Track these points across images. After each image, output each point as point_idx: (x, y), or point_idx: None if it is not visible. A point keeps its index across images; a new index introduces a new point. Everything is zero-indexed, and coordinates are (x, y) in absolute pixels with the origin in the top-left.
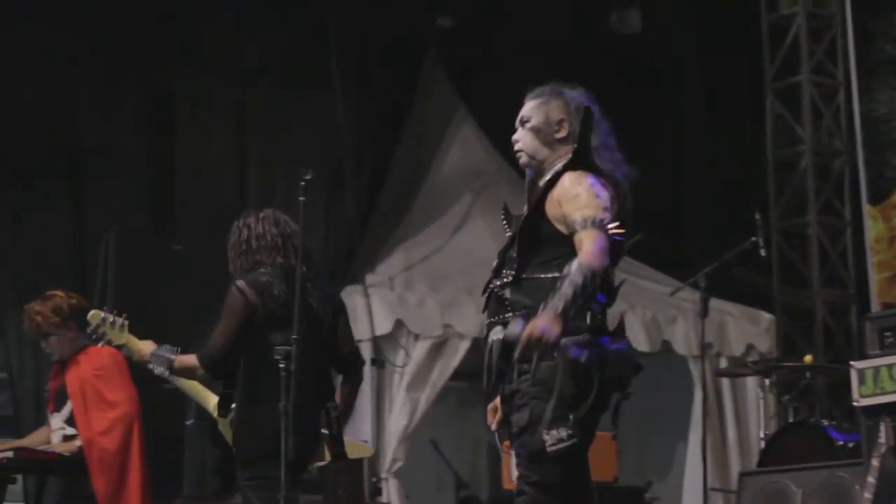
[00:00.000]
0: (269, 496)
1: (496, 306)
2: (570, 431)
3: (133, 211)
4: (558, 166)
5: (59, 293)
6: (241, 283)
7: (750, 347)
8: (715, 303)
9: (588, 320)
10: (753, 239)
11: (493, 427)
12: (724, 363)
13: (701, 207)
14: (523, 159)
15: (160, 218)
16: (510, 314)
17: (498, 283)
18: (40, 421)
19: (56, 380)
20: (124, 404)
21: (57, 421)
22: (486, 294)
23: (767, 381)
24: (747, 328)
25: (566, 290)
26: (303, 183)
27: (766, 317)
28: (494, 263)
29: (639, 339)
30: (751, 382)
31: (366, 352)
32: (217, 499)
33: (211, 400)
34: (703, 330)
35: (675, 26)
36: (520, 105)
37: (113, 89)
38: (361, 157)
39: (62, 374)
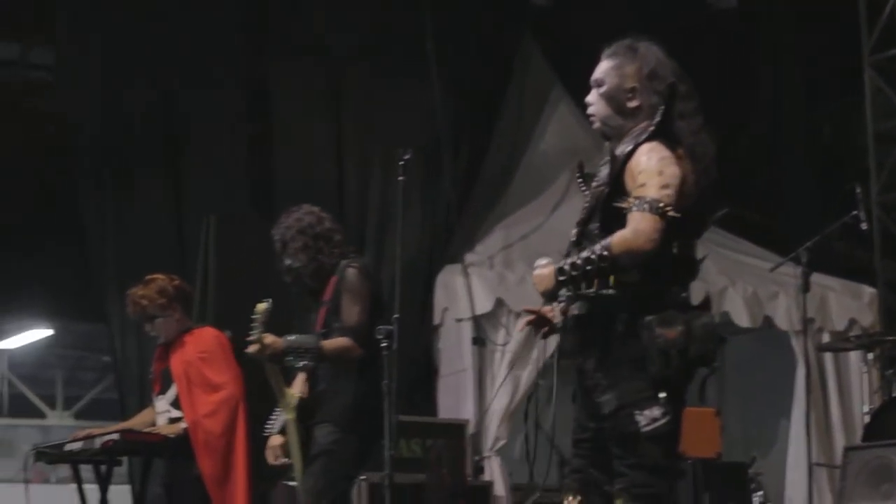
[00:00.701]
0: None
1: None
2: (663, 410)
3: (232, 195)
4: (639, 137)
5: (161, 276)
6: (358, 265)
7: (852, 322)
8: (816, 277)
9: (672, 296)
10: (854, 213)
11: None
12: (826, 338)
13: (801, 182)
14: (596, 125)
15: (258, 202)
16: (592, 289)
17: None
18: (144, 404)
19: (160, 362)
20: (229, 386)
21: (162, 403)
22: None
23: (870, 356)
24: (849, 302)
25: (583, 255)
26: (402, 163)
27: (868, 291)
28: (573, 235)
29: (740, 315)
30: (853, 357)
31: (467, 331)
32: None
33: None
34: (804, 305)
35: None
36: None
37: (210, 76)
38: (458, 137)
39: (167, 357)
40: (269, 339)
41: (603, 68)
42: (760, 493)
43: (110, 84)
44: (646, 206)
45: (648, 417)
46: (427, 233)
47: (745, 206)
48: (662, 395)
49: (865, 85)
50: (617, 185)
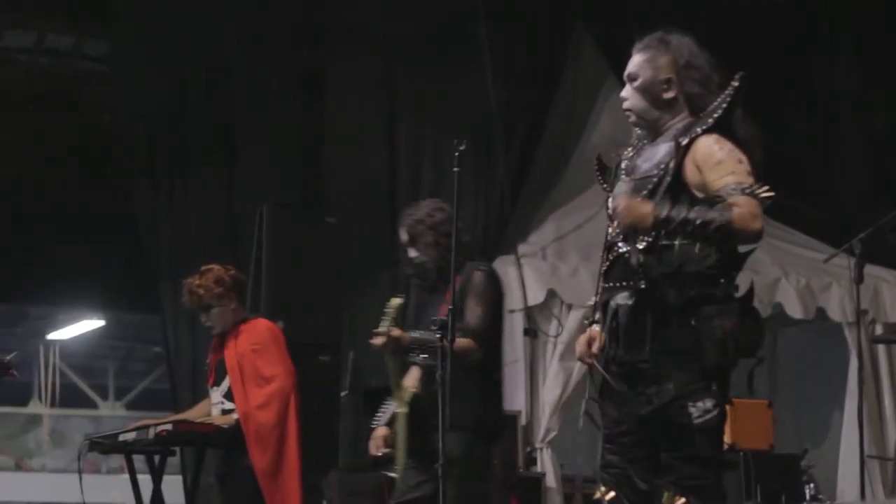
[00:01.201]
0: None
1: (623, 271)
2: (714, 401)
3: (285, 186)
4: (694, 128)
5: (217, 266)
6: (486, 269)
7: None
8: (870, 269)
9: (724, 287)
10: None
11: (588, 357)
12: (879, 330)
13: (855, 173)
14: (632, 119)
15: (311, 191)
16: (642, 280)
17: (628, 247)
18: (196, 395)
19: (215, 353)
20: (281, 378)
21: (216, 395)
22: (613, 256)
23: None
24: None
25: (694, 214)
26: (457, 154)
27: None
28: (617, 226)
29: (793, 306)
30: None
31: (518, 322)
32: (371, 470)
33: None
34: (857, 296)
35: None
36: None
37: (262, 65)
38: (511, 127)
39: (221, 348)
40: (396, 332)
41: (636, 62)
42: (812, 485)
43: (165, 75)
44: (748, 190)
45: (701, 409)
46: (480, 224)
47: (799, 198)
48: (714, 386)
49: None
50: (676, 178)
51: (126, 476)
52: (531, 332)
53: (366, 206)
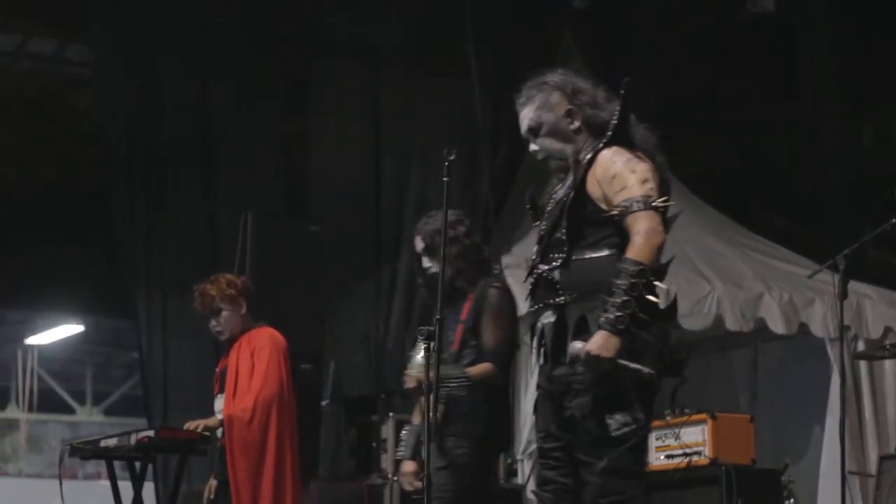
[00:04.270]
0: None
1: (545, 290)
2: (635, 415)
3: (268, 194)
4: (598, 145)
5: (225, 273)
6: (500, 285)
7: (888, 330)
8: (853, 285)
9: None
10: (893, 221)
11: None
12: (861, 346)
13: (839, 189)
14: (552, 164)
15: (295, 200)
16: (562, 297)
17: (546, 266)
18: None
19: (223, 361)
20: (268, 386)
21: (219, 403)
22: (533, 278)
23: None
24: (885, 311)
25: (619, 298)
26: (447, 163)
27: None
28: (536, 248)
29: (776, 321)
30: (889, 365)
31: None
32: (352, 479)
33: None
34: (841, 312)
35: (810, 4)
36: (654, 83)
37: (247, 73)
38: (497, 138)
39: (228, 356)
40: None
41: (529, 116)
42: (792, 500)
43: (145, 81)
44: (640, 204)
45: (619, 422)
46: None
47: (785, 212)
48: (635, 400)
49: None
50: (580, 192)
51: (102, 483)
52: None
53: (349, 216)
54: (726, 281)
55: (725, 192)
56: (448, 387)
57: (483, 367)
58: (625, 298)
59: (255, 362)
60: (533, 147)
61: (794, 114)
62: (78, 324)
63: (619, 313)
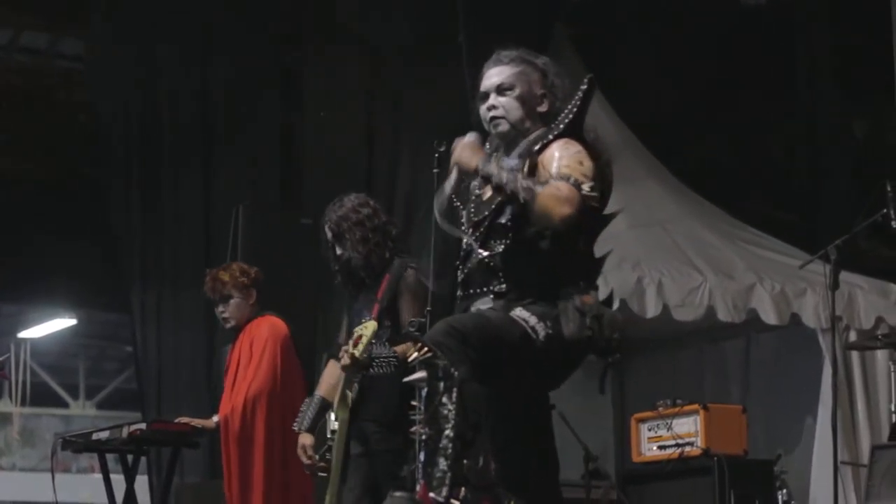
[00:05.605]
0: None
1: (483, 276)
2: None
3: (261, 186)
4: (548, 136)
5: (239, 262)
6: (416, 266)
7: (879, 320)
8: (844, 276)
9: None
10: (885, 211)
11: None
12: (853, 336)
13: (832, 180)
14: (503, 127)
15: (288, 192)
16: (502, 284)
17: (486, 252)
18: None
19: (230, 351)
20: (257, 382)
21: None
22: (466, 264)
23: None
24: (877, 301)
25: (508, 180)
26: (437, 155)
27: None
28: (470, 231)
29: (767, 312)
30: (880, 356)
31: None
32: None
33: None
34: (832, 303)
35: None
36: (648, 78)
37: (241, 65)
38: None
39: (234, 346)
40: (365, 357)
41: (506, 73)
42: (785, 490)
43: (140, 74)
44: (572, 180)
45: None
46: None
47: (780, 204)
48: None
49: None
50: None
51: (96, 476)
52: None
53: None
54: (718, 272)
55: (724, 188)
56: (379, 366)
57: (408, 347)
58: (503, 182)
59: (252, 354)
60: (494, 100)
61: (787, 104)
62: (71, 317)
63: (491, 173)
